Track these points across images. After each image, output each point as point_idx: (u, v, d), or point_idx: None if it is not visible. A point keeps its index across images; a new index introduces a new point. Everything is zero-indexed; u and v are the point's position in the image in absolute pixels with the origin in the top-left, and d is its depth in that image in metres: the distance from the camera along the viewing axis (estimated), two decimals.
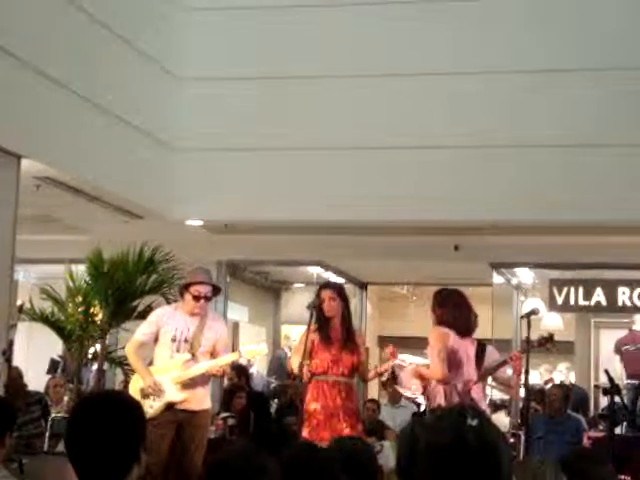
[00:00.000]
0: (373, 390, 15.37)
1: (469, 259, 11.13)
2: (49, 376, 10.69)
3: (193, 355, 7.14)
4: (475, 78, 9.10)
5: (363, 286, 14.28)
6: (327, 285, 7.75)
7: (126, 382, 9.07)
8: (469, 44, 9.18)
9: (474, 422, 2.20)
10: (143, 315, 8.66)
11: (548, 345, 7.49)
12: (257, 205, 9.52)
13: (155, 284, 9.81)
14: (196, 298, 7.14)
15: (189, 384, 7.11)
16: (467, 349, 7.13)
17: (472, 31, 9.19)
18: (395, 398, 10.68)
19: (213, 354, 7.23)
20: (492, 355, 7.64)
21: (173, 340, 7.16)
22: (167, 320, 7.22)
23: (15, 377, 8.24)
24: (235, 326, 13.82)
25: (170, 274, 9.84)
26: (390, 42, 9.32)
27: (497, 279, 12.23)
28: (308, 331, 7.05)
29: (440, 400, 6.93)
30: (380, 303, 16.53)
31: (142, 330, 7.33)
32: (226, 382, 11.34)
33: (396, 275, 14.01)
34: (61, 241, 11.06)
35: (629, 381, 11.97)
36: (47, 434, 8.77)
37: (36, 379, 10.44)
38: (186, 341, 7.16)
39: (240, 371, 10.86)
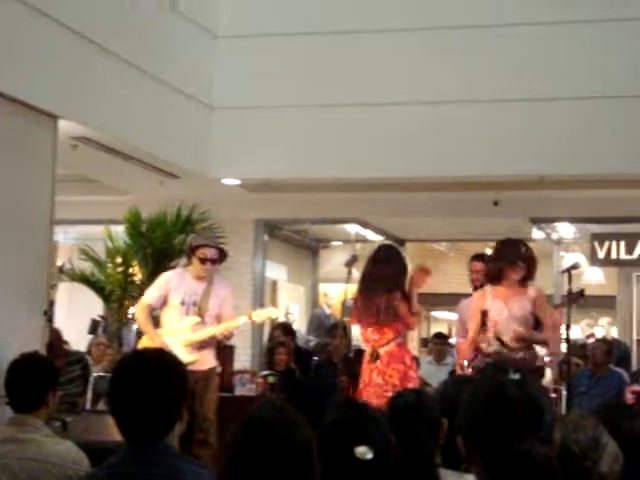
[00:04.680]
0: (412, 347, 15.38)
1: (509, 214, 11.03)
2: (90, 336, 10.77)
3: (201, 318, 7.32)
4: (517, 30, 8.97)
5: (402, 243, 14.22)
6: None
7: None
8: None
9: (516, 376, 2.19)
10: None
11: (579, 301, 7.36)
12: (294, 163, 9.48)
13: None
14: (202, 261, 7.31)
15: (197, 346, 7.32)
16: None
17: None
18: (441, 356, 10.63)
19: (219, 317, 7.43)
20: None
21: (182, 304, 7.35)
22: (175, 284, 7.39)
23: (53, 338, 8.31)
24: (274, 285, 13.84)
25: (208, 233, 9.84)
26: None
27: (537, 234, 12.13)
28: None
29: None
30: (418, 260, 16.46)
31: (151, 293, 7.50)
32: (265, 339, 11.40)
33: (435, 232, 13.94)
34: (100, 202, 11.11)
35: None
36: (89, 393, 8.85)
37: (77, 339, 10.53)
38: (194, 305, 7.34)
39: (286, 330, 10.88)
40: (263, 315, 7.74)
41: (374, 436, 2.68)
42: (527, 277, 6.89)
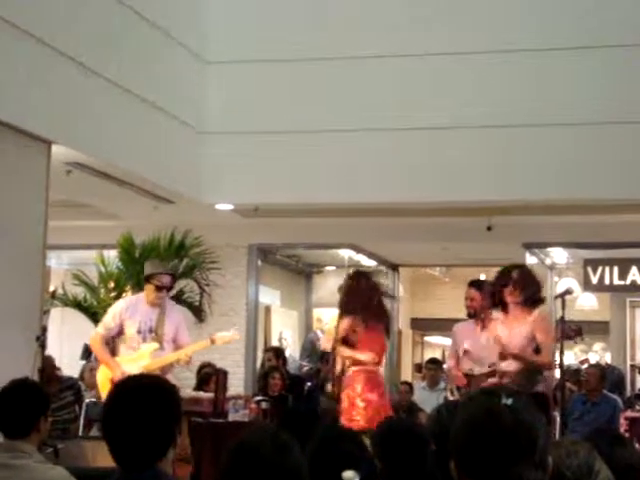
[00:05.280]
0: (407, 372, 15.36)
1: (502, 239, 11.04)
2: (82, 362, 10.73)
3: (160, 344, 7.39)
4: (503, 57, 9.01)
5: (395, 268, 14.23)
6: None
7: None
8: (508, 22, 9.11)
9: (509, 401, 2.17)
10: (175, 300, 8.70)
11: (576, 338, 7.44)
12: (288, 188, 9.48)
13: (186, 269, 9.83)
14: (158, 288, 7.41)
15: (158, 372, 7.25)
16: None
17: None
18: (434, 381, 10.60)
19: (175, 341, 7.50)
20: None
21: (138, 332, 7.42)
22: (130, 313, 7.45)
23: (46, 364, 8.28)
24: (267, 310, 13.81)
25: (201, 258, 9.84)
26: (434, 20, 9.26)
27: (530, 259, 12.11)
28: None
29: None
30: (412, 285, 16.48)
31: (105, 323, 7.54)
32: (259, 364, 11.35)
33: (428, 257, 13.95)
34: (93, 227, 11.10)
35: None
36: (82, 419, 8.81)
37: (69, 365, 10.48)
38: (151, 331, 7.41)
39: (277, 353, 10.84)
40: (225, 338, 7.77)
41: (360, 460, 2.68)
42: (533, 300, 7.01)
